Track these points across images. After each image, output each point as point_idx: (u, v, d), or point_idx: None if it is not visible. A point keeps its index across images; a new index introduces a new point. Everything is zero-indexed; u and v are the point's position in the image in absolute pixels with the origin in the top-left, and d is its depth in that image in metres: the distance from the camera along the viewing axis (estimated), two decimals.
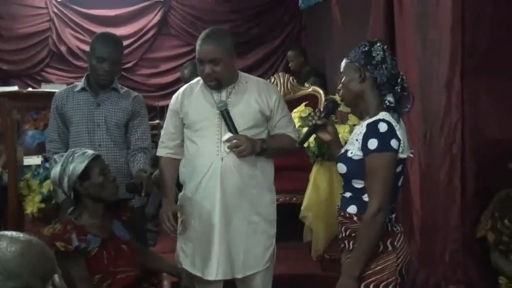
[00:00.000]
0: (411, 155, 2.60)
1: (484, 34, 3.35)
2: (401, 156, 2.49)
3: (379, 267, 2.49)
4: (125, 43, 7.12)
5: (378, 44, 2.58)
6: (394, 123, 2.48)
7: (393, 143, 2.44)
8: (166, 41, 7.93)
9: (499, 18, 3.34)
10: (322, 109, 2.84)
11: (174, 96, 3.34)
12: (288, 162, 4.70)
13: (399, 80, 2.55)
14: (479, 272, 3.43)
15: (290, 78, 6.29)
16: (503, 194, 3.25)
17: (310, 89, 6.13)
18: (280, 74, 6.39)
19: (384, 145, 2.44)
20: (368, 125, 2.50)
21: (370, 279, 2.49)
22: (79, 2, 7.60)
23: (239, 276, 3.21)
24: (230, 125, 3.10)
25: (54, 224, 2.99)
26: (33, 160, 4.54)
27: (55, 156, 3.04)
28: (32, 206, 4.38)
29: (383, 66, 2.54)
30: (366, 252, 2.47)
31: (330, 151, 2.81)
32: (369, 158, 2.47)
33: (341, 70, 2.66)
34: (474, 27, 3.34)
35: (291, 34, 8.02)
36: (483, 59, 3.36)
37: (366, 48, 2.57)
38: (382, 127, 2.45)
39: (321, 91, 6.06)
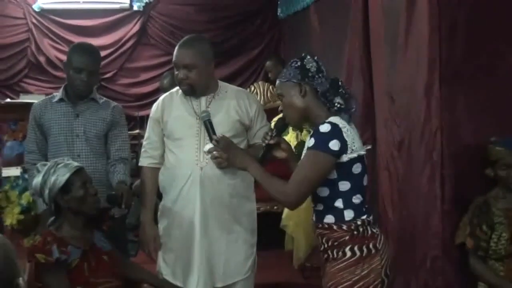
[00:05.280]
0: (364, 152, 2.57)
1: (461, 43, 3.38)
2: (351, 156, 2.48)
3: (365, 271, 2.49)
4: (104, 53, 7.11)
5: (308, 57, 2.61)
6: (341, 124, 2.48)
7: (332, 144, 2.43)
8: (145, 51, 7.88)
9: (475, 26, 3.38)
10: (273, 129, 2.86)
11: (155, 105, 3.34)
12: (268, 170, 4.69)
13: (340, 84, 2.60)
14: (459, 278, 3.45)
15: (270, 87, 6.32)
16: (481, 200, 3.27)
17: None
18: (260, 83, 6.42)
19: (320, 144, 2.44)
20: (314, 128, 2.53)
21: (358, 285, 2.48)
22: (58, 13, 7.54)
23: (219, 285, 3.21)
24: (212, 135, 3.10)
25: (34, 236, 2.96)
26: (12, 171, 4.50)
27: (38, 165, 2.97)
28: (11, 217, 4.34)
29: (320, 75, 2.58)
30: (263, 179, 2.63)
31: (289, 169, 2.79)
32: (304, 154, 2.51)
33: (278, 92, 2.67)
34: (451, 35, 3.37)
35: (270, 43, 8.03)
36: (460, 67, 3.39)
37: (299, 63, 2.60)
38: (324, 128, 2.45)
39: None
